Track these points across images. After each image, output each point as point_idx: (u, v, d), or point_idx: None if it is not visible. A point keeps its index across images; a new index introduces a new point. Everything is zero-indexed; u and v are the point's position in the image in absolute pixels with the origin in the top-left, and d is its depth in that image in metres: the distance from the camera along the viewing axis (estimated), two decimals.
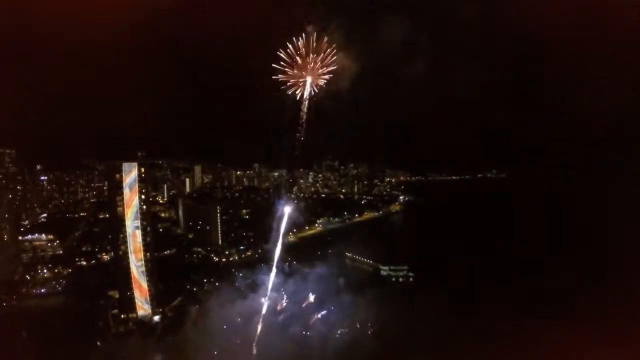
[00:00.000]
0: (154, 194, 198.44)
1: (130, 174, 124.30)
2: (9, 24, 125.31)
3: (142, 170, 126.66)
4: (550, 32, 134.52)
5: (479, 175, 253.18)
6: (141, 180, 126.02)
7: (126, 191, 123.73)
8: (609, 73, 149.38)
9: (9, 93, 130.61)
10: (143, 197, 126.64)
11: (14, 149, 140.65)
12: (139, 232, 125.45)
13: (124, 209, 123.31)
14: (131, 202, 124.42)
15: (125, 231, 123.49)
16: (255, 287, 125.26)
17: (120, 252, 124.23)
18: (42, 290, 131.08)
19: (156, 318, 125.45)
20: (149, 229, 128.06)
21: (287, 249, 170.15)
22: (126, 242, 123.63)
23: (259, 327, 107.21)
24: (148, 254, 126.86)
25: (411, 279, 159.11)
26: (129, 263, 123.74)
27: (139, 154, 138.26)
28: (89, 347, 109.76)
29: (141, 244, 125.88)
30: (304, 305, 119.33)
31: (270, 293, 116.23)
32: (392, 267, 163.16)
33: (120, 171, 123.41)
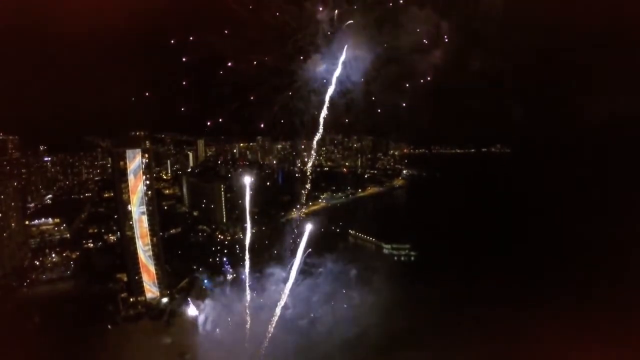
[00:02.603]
0: (158, 169, 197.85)
1: (134, 161, 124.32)
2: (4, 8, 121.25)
3: (147, 156, 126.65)
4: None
5: (483, 149, 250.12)
6: (145, 166, 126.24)
7: (130, 178, 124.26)
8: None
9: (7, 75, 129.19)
10: (148, 182, 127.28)
11: (15, 130, 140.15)
12: (145, 218, 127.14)
13: (129, 196, 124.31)
14: (136, 189, 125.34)
15: (132, 217, 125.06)
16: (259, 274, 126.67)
17: (127, 238, 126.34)
18: (52, 276, 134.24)
19: (164, 300, 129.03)
20: (154, 214, 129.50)
21: (291, 226, 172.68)
22: (132, 228, 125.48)
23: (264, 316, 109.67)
24: (155, 238, 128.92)
25: (412, 258, 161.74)
26: (136, 248, 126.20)
27: (141, 133, 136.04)
28: (100, 331, 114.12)
29: (147, 229, 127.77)
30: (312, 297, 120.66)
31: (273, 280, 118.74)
32: (394, 246, 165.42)
33: (124, 158, 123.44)
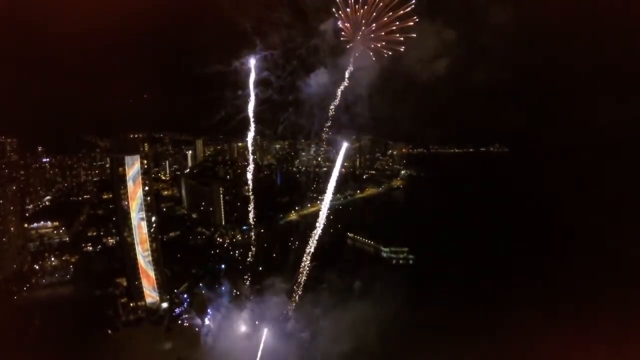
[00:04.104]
0: (156, 169, 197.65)
1: (133, 167, 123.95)
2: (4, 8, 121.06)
3: (145, 162, 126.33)
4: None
5: (481, 149, 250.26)
6: (144, 171, 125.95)
7: (129, 184, 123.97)
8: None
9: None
10: (147, 188, 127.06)
11: (14, 131, 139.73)
12: (144, 224, 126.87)
13: (128, 202, 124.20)
14: (135, 195, 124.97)
15: (131, 224, 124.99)
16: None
17: (127, 244, 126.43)
18: (52, 280, 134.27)
19: (164, 305, 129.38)
20: (153, 219, 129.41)
21: (289, 229, 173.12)
22: (132, 234, 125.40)
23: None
24: (154, 243, 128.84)
25: (410, 262, 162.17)
26: (136, 254, 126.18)
27: (139, 136, 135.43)
28: (100, 336, 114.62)
29: (147, 235, 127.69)
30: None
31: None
32: (392, 249, 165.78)
33: (123, 164, 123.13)
